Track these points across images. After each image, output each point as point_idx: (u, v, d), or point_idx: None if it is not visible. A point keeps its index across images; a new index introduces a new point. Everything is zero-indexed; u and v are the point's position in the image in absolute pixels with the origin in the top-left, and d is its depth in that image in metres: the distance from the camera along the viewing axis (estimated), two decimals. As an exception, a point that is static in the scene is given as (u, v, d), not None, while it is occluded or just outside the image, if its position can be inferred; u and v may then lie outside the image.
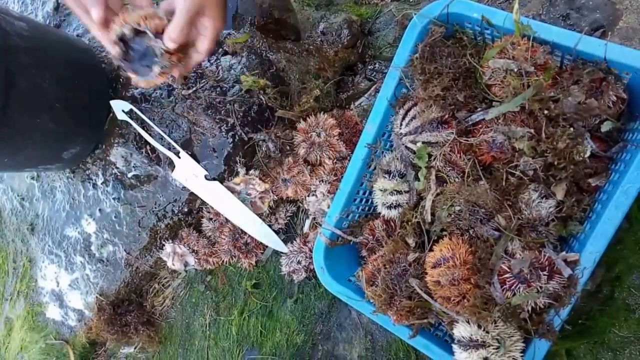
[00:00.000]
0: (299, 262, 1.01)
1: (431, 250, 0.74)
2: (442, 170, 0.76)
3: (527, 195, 0.68)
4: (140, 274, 1.12)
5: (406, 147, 0.78)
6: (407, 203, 0.81)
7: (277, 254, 1.07)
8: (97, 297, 1.12)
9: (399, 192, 0.80)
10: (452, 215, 0.70)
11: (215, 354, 1.12)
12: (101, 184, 1.08)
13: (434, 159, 0.76)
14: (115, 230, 1.08)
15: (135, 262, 1.10)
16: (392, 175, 0.80)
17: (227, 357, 1.10)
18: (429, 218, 0.76)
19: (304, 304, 1.05)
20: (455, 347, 0.69)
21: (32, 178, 1.18)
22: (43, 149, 1.01)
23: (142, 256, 1.10)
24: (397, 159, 0.81)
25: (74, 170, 1.11)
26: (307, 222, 1.05)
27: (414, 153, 0.78)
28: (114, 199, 1.07)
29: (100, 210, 1.09)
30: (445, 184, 0.75)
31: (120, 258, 1.10)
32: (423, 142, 0.77)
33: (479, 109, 0.75)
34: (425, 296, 0.72)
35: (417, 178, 0.79)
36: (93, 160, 1.08)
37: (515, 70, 0.69)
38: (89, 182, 1.09)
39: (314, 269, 1.02)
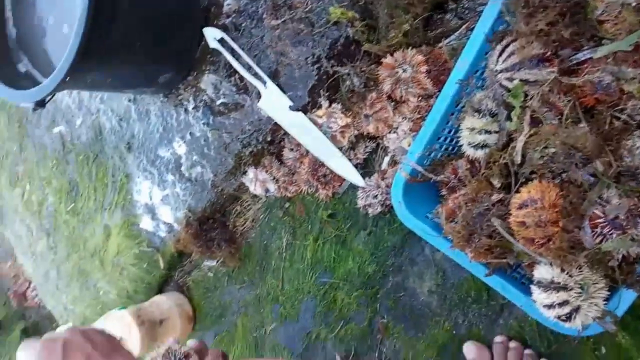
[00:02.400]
0: (375, 197, 1.04)
1: (517, 192, 0.73)
2: (537, 111, 0.73)
3: (631, 142, 0.64)
4: (224, 196, 1.20)
5: (501, 84, 0.75)
6: (495, 143, 0.79)
7: (353, 187, 1.10)
8: (185, 212, 1.22)
9: (488, 132, 0.78)
10: (545, 158, 0.68)
11: (290, 274, 1.20)
12: (192, 109, 1.14)
13: (530, 98, 0.73)
14: (204, 153, 1.16)
15: (220, 184, 1.18)
16: (482, 114, 0.78)
17: (300, 277, 1.18)
18: (518, 159, 0.74)
19: (377, 237, 1.08)
20: (534, 287, 0.69)
21: (129, 100, 1.27)
22: (141, 71, 1.07)
23: (227, 179, 1.17)
24: (489, 97, 0.78)
25: (167, 95, 1.18)
26: (386, 159, 1.06)
27: (509, 91, 0.75)
28: (203, 124, 1.13)
29: (190, 133, 1.16)
30: (540, 125, 0.72)
31: (207, 179, 1.18)
32: (520, 80, 0.73)
33: (586, 47, 0.70)
34: (507, 236, 0.72)
35: (509, 118, 0.77)
36: (185, 86, 1.14)
37: (634, 4, 0.63)
38: (181, 107, 1.16)
39: (389, 204, 1.04)
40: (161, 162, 1.24)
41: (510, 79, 0.74)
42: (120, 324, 1.27)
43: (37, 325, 2.33)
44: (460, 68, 0.78)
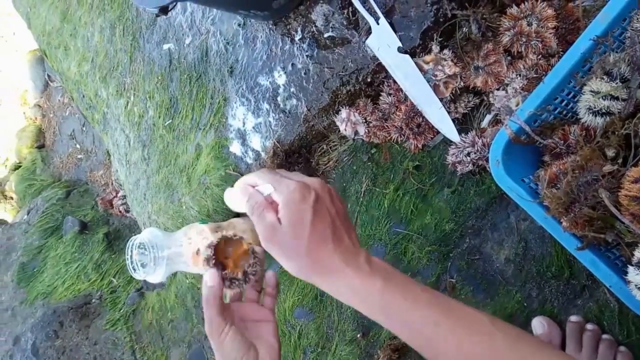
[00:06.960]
0: (467, 155, 1.00)
1: (635, 165, 0.68)
2: (680, 81, 0.66)
3: None
4: (314, 132, 1.22)
5: (642, 47, 0.69)
6: (619, 112, 0.73)
7: (445, 142, 1.07)
8: (274, 142, 1.26)
9: (614, 98, 0.72)
10: (680, 131, 0.62)
11: (364, 219, 1.21)
12: (298, 40, 1.15)
13: (675, 65, 0.66)
14: (302, 86, 1.17)
15: (312, 120, 1.19)
16: (612, 77, 0.72)
17: (374, 224, 1.18)
18: (644, 131, 0.68)
19: (461, 197, 1.05)
20: (632, 268, 0.65)
21: (239, 25, 1.29)
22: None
23: (319, 116, 1.18)
24: (625, 60, 0.71)
25: (276, 23, 1.19)
26: (488, 117, 1.01)
27: (650, 56, 0.68)
28: (307, 56, 1.14)
29: (292, 65, 1.17)
30: (680, 96, 0.65)
31: (300, 113, 1.20)
32: (667, 44, 0.66)
33: None
34: (614, 209, 0.67)
35: (642, 86, 0.70)
36: (295, 15, 1.14)
37: None
38: (288, 37, 1.17)
39: (481, 164, 1.01)
40: (259, 90, 1.27)
41: (656, 42, 0.68)
42: (199, 237, 1.36)
43: (118, 231, 2.55)
44: (600, 23, 0.72)
